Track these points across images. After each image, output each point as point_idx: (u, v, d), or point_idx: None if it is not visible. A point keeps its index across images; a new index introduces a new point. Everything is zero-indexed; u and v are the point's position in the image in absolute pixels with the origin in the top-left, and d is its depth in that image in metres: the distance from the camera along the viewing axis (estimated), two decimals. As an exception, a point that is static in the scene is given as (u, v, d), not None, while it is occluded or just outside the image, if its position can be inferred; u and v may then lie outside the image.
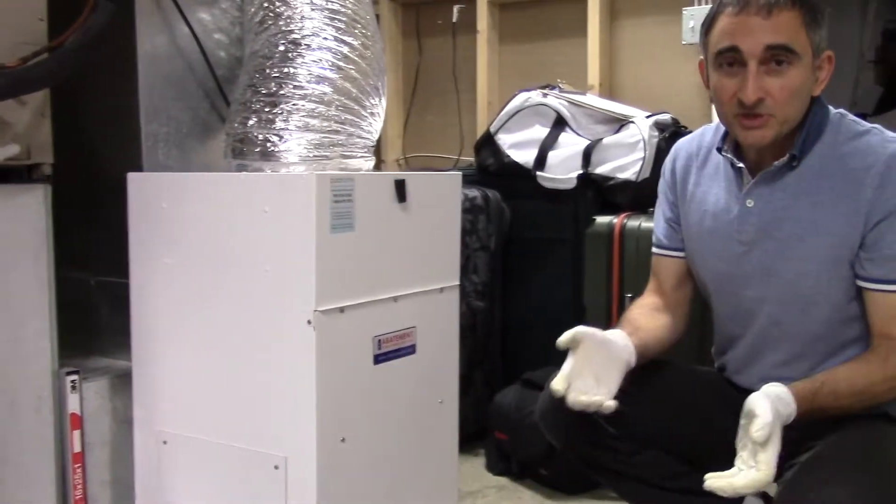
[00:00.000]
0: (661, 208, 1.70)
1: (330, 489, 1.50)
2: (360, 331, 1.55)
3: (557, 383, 1.41)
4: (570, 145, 2.60)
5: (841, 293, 1.44)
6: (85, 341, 1.86)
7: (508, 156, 2.70)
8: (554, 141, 2.63)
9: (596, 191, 2.55)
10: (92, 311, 1.88)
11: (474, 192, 2.59)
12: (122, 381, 1.74)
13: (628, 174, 2.50)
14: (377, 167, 2.29)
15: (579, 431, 1.59)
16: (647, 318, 1.61)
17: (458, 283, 1.80)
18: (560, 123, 2.65)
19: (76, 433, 1.68)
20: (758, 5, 1.38)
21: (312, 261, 1.45)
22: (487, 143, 2.76)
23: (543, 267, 2.63)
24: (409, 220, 1.65)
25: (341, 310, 1.50)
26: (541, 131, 2.66)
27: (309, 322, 1.46)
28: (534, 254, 2.65)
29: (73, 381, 1.67)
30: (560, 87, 2.75)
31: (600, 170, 2.54)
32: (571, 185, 2.55)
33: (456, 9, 3.26)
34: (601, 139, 2.56)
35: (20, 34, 1.57)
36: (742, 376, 1.59)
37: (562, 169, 2.59)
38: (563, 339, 1.44)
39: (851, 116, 1.48)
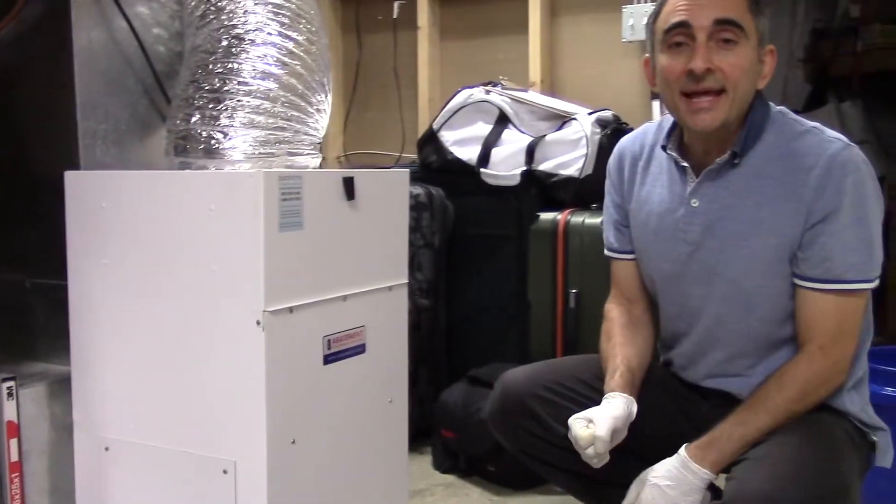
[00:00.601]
0: (608, 211, 1.70)
1: (281, 492, 1.47)
2: (309, 331, 1.53)
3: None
4: (514, 142, 2.61)
5: (781, 291, 1.46)
6: (20, 346, 1.80)
7: (451, 153, 2.69)
8: (497, 138, 2.64)
9: (539, 187, 2.56)
10: (27, 313, 1.81)
11: (418, 190, 2.58)
12: (61, 387, 1.68)
13: (571, 171, 2.51)
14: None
15: (528, 432, 1.59)
16: (631, 346, 1.60)
17: (406, 280, 1.78)
18: (503, 120, 2.66)
19: (13, 441, 1.61)
20: None
21: (261, 260, 1.42)
22: (430, 141, 2.76)
23: (488, 264, 2.63)
24: (357, 218, 1.63)
25: (290, 310, 1.47)
26: (484, 128, 2.66)
27: (258, 323, 1.43)
28: (478, 251, 2.65)
29: (8, 388, 1.60)
30: (502, 84, 2.76)
31: (543, 166, 2.55)
32: (515, 181, 2.56)
33: (396, 5, 3.24)
34: (544, 136, 2.58)
35: (-51, 26, 1.51)
36: (688, 372, 1.61)
37: (505, 166, 2.59)
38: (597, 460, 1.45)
39: (792, 115, 1.49)
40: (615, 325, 1.65)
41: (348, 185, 1.60)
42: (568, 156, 2.52)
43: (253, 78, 1.60)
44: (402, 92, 3.28)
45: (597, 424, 1.43)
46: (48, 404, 1.69)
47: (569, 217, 2.46)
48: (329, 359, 1.57)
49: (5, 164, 1.66)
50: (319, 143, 1.73)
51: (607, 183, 1.70)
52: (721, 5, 1.39)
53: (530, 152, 2.56)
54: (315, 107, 1.69)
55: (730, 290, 1.49)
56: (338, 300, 1.59)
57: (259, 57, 1.61)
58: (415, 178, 2.69)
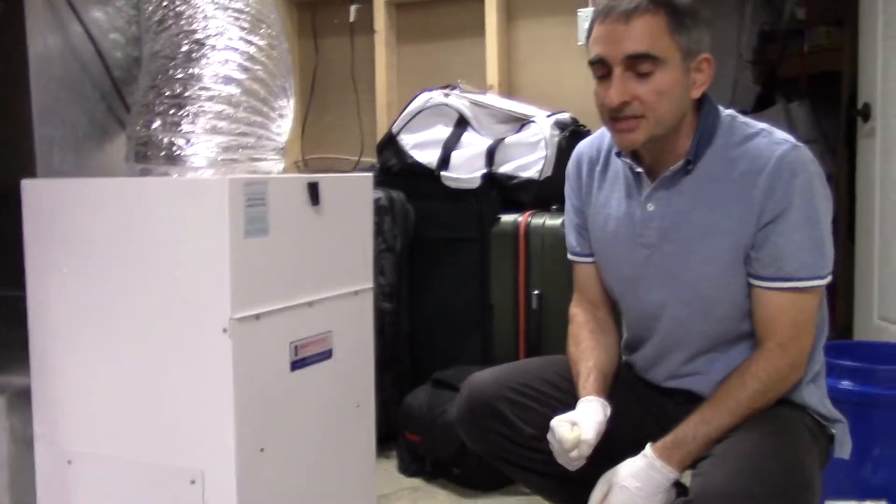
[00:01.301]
0: (569, 215, 1.71)
1: (249, 501, 1.46)
2: (276, 337, 1.52)
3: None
4: (473, 145, 2.62)
5: (738, 291, 1.49)
6: (-23, 358, 1.76)
7: (411, 156, 2.70)
8: (457, 141, 2.65)
9: (500, 190, 2.58)
10: (-17, 326, 1.78)
11: (378, 194, 2.57)
12: (20, 399, 1.65)
13: (531, 172, 2.53)
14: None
15: (496, 433, 1.60)
16: (600, 350, 1.62)
17: (371, 285, 1.79)
18: (462, 123, 2.67)
19: (-28, 456, 1.58)
20: (617, 13, 1.40)
21: (227, 267, 1.41)
22: (390, 144, 2.75)
23: (450, 267, 2.64)
24: (322, 223, 1.63)
25: (257, 316, 1.47)
26: (443, 131, 2.67)
27: (224, 330, 1.42)
28: (440, 254, 2.65)
29: (-34, 402, 1.57)
30: (461, 87, 2.77)
31: (503, 169, 2.57)
32: (476, 184, 2.57)
33: (353, 9, 3.23)
34: (503, 138, 2.59)
35: None
36: (651, 374, 1.63)
37: (465, 169, 2.60)
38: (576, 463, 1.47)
39: (742, 118, 1.51)
40: (582, 330, 1.66)
41: (313, 190, 1.59)
42: (527, 158, 2.54)
43: (215, 83, 1.59)
44: (360, 96, 3.27)
45: (583, 428, 1.45)
46: (7, 417, 1.66)
47: (529, 219, 2.48)
48: (296, 365, 1.57)
49: (-41, 172, 1.62)
50: (282, 149, 1.72)
51: (567, 187, 1.71)
52: (634, 39, 1.40)
53: (490, 155, 2.57)
54: (278, 112, 1.68)
55: (687, 293, 1.51)
56: (304, 306, 1.58)
57: (220, 62, 1.60)
58: (375, 183, 2.69)
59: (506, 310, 2.49)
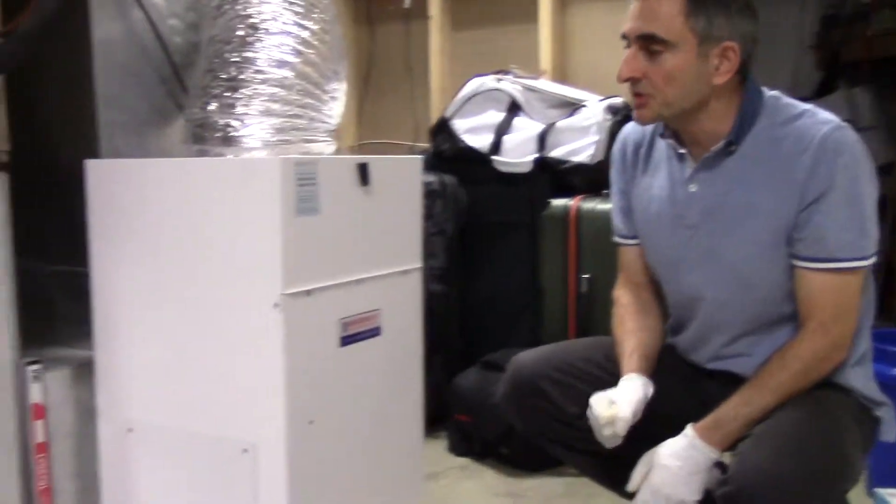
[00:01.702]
0: (614, 197, 1.73)
1: (300, 472, 1.51)
2: (326, 313, 1.56)
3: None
4: (525, 129, 2.64)
5: (780, 272, 1.48)
6: (43, 332, 1.84)
7: (464, 141, 2.72)
8: (508, 125, 2.67)
9: (551, 174, 2.59)
10: (49, 300, 1.86)
11: (430, 178, 2.61)
12: (85, 371, 1.72)
13: (582, 157, 2.54)
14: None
15: (539, 411, 1.62)
16: (644, 331, 1.64)
17: (420, 265, 1.81)
18: (514, 108, 2.69)
19: (39, 423, 1.66)
20: None
21: (279, 244, 1.45)
22: (442, 129, 2.79)
23: (500, 250, 2.66)
24: (371, 203, 1.66)
25: (308, 292, 1.51)
26: (495, 116, 2.69)
27: (276, 305, 1.46)
28: (491, 237, 2.68)
29: (34, 372, 1.65)
30: (514, 73, 2.78)
31: (555, 153, 2.58)
32: (527, 168, 2.59)
33: (407, -4, 3.27)
34: (555, 123, 2.60)
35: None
36: (694, 355, 1.64)
37: (517, 153, 2.62)
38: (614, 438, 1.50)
39: (786, 99, 1.51)
40: (627, 311, 1.68)
41: (363, 170, 1.63)
42: (579, 142, 2.55)
43: (269, 66, 1.63)
44: (415, 82, 3.31)
45: (619, 405, 1.47)
46: (73, 388, 1.73)
47: (580, 203, 2.49)
48: (345, 341, 1.61)
49: (27, 155, 1.69)
50: (334, 131, 1.76)
51: (612, 170, 1.73)
52: (647, 19, 1.43)
53: (542, 139, 2.59)
54: (329, 94, 1.72)
55: (728, 274, 1.51)
56: (353, 283, 1.62)
57: (275, 46, 1.64)
58: (427, 167, 2.73)
59: (555, 293, 2.51)
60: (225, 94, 1.63)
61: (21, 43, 1.52)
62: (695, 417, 1.46)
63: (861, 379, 1.50)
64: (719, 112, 1.49)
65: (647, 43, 1.43)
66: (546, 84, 2.77)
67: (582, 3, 3.00)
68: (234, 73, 1.63)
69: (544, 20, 2.98)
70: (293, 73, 1.64)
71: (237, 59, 1.64)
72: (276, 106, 1.62)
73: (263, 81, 1.63)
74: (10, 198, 1.62)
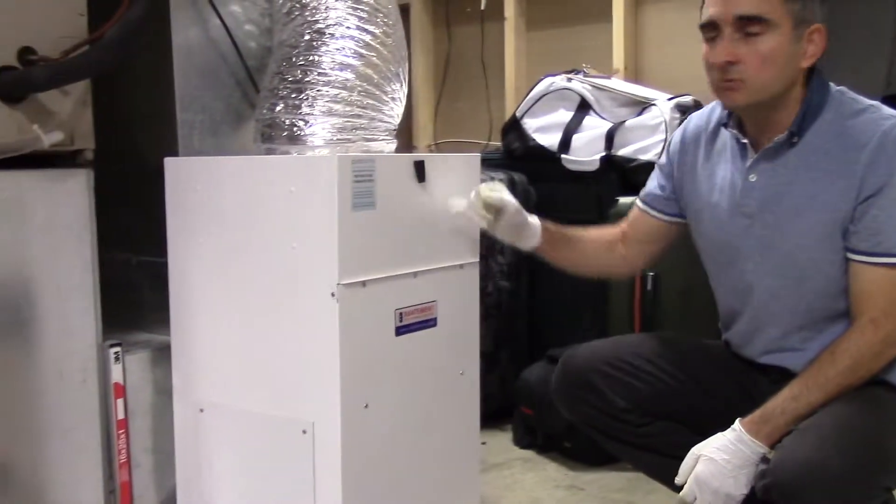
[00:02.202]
0: (658, 173, 1.76)
1: (354, 452, 1.59)
2: (381, 303, 1.64)
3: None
4: (594, 128, 2.66)
5: (835, 266, 1.49)
6: (127, 317, 1.97)
7: (534, 139, 2.77)
8: (578, 124, 2.69)
9: (619, 172, 2.61)
10: (133, 288, 1.99)
11: (501, 176, 2.66)
12: (162, 354, 1.85)
13: (650, 155, 2.55)
14: (410, 153, 2.38)
15: (588, 404, 1.66)
16: (589, 239, 1.82)
17: (477, 260, 1.86)
18: (584, 107, 2.71)
19: (119, 401, 1.79)
20: None
21: (335, 237, 1.54)
22: (513, 128, 2.83)
23: (568, 247, 2.68)
24: (428, 199, 1.72)
25: (363, 283, 1.59)
26: (565, 115, 2.72)
27: (333, 294, 1.54)
28: (559, 235, 2.70)
29: (116, 353, 1.78)
30: (585, 72, 2.81)
31: (623, 152, 2.59)
32: (595, 167, 2.62)
33: (483, -3, 3.33)
34: (624, 122, 2.62)
35: (62, 29, 1.68)
36: (746, 349, 1.64)
37: (585, 151, 2.65)
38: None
39: (851, 94, 1.52)
40: (599, 229, 1.84)
41: (419, 168, 1.70)
42: (647, 141, 2.56)
43: (332, 69, 1.72)
44: (490, 81, 3.36)
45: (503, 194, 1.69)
46: (151, 370, 1.86)
47: (647, 201, 2.49)
48: (401, 330, 1.68)
49: (114, 153, 1.83)
50: (395, 130, 1.83)
51: (669, 148, 1.75)
52: (744, 1, 1.43)
53: (610, 138, 2.61)
54: (390, 95, 1.79)
55: (784, 264, 1.52)
56: (409, 276, 1.69)
57: (338, 49, 1.73)
58: (498, 165, 2.78)
59: (621, 291, 2.52)
60: (291, 95, 1.72)
61: (107, 51, 1.64)
62: (744, 413, 1.47)
63: (912, 377, 1.49)
64: (788, 102, 1.50)
65: (746, 24, 1.43)
66: (616, 83, 2.79)
67: (656, 2, 3.00)
68: (299, 76, 1.72)
69: (618, 19, 2.99)
70: (354, 76, 1.72)
71: (303, 63, 1.73)
72: (338, 106, 1.71)
73: (327, 83, 1.71)
74: (98, 193, 1.75)
